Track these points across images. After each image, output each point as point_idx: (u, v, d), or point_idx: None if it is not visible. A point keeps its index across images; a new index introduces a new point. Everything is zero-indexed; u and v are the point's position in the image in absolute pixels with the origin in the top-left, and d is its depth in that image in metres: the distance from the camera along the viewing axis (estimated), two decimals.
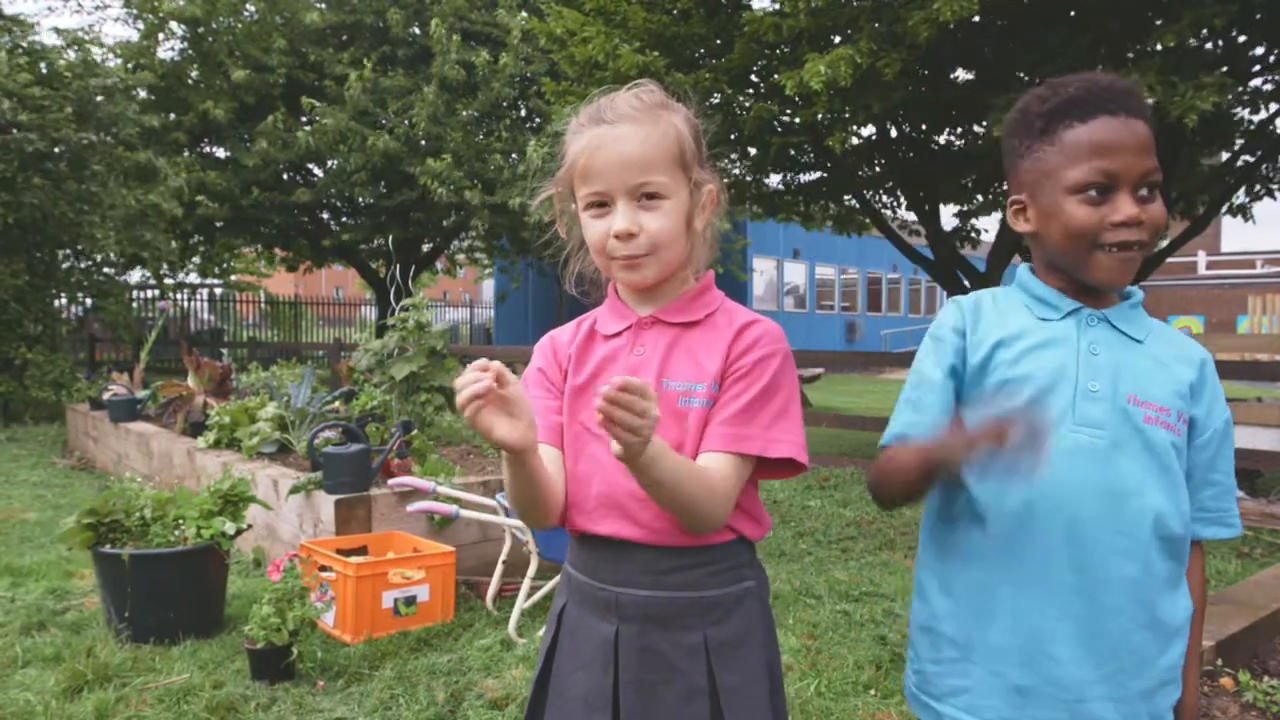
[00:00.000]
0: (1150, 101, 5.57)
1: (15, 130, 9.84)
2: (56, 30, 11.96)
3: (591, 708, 1.30)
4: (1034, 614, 1.27)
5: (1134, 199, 1.25)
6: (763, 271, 23.87)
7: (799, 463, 1.29)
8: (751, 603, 1.32)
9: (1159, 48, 5.87)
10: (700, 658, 1.27)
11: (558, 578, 3.85)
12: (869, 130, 8.94)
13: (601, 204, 1.28)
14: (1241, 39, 7.12)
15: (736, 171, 9.50)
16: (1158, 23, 6.23)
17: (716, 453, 1.25)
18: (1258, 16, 6.24)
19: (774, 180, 10.05)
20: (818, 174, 9.63)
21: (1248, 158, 8.53)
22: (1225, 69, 6.16)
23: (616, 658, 1.29)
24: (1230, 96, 6.12)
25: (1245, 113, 7.96)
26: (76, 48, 11.48)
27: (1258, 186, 9.29)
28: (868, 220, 10.54)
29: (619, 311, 1.37)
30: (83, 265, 12.39)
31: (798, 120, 7.85)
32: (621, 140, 1.25)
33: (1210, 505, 1.31)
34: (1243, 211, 9.79)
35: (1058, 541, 1.26)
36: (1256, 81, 7.70)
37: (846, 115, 7.01)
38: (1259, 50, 7.18)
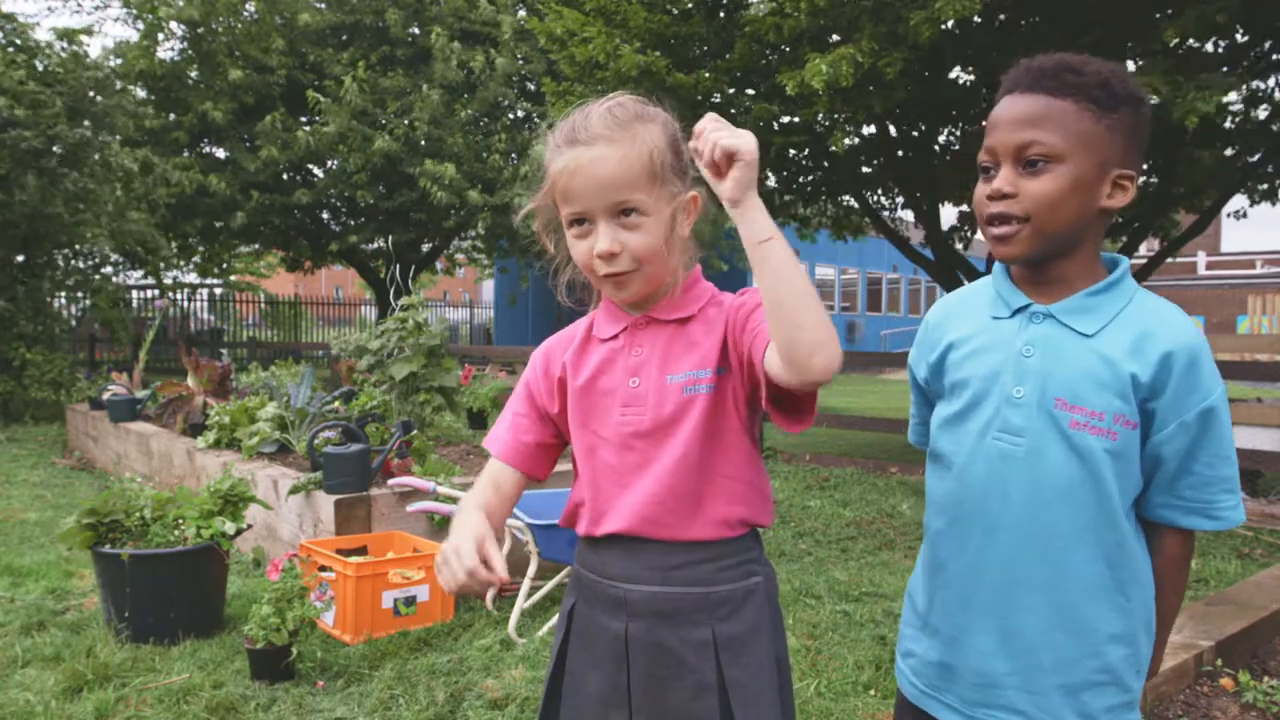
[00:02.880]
0: (1153, 98, 5.56)
1: (11, 129, 9.81)
2: (54, 30, 11.96)
3: (609, 705, 1.32)
4: (960, 605, 1.35)
5: (1012, 172, 1.25)
6: None
7: (812, 410, 1.26)
8: (759, 598, 1.33)
9: (1162, 45, 5.86)
10: (709, 653, 1.28)
11: (558, 577, 3.87)
12: (869, 129, 8.94)
13: (582, 222, 1.29)
14: (1244, 38, 7.12)
15: None
16: (1159, 17, 6.22)
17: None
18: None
19: (772, 180, 10.04)
20: (817, 174, 9.62)
21: (1250, 158, 8.52)
22: (1225, 69, 6.16)
23: (628, 654, 1.30)
24: (1237, 95, 6.12)
25: (1252, 111, 7.96)
26: (67, 41, 11.44)
27: (1262, 185, 9.27)
28: (867, 221, 10.54)
29: (614, 314, 1.38)
30: (82, 265, 12.37)
31: (797, 120, 7.85)
32: (597, 162, 1.25)
33: (1187, 495, 1.27)
34: (1247, 203, 9.76)
35: (981, 541, 1.32)
36: (1258, 82, 7.70)
37: (847, 116, 7.01)
38: (1264, 47, 7.17)
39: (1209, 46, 7.17)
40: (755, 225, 1.12)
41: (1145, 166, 8.96)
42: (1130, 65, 6.35)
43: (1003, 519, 1.29)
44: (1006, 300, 1.34)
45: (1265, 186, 9.29)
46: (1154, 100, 6.11)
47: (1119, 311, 1.27)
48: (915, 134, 8.89)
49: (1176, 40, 5.75)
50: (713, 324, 1.32)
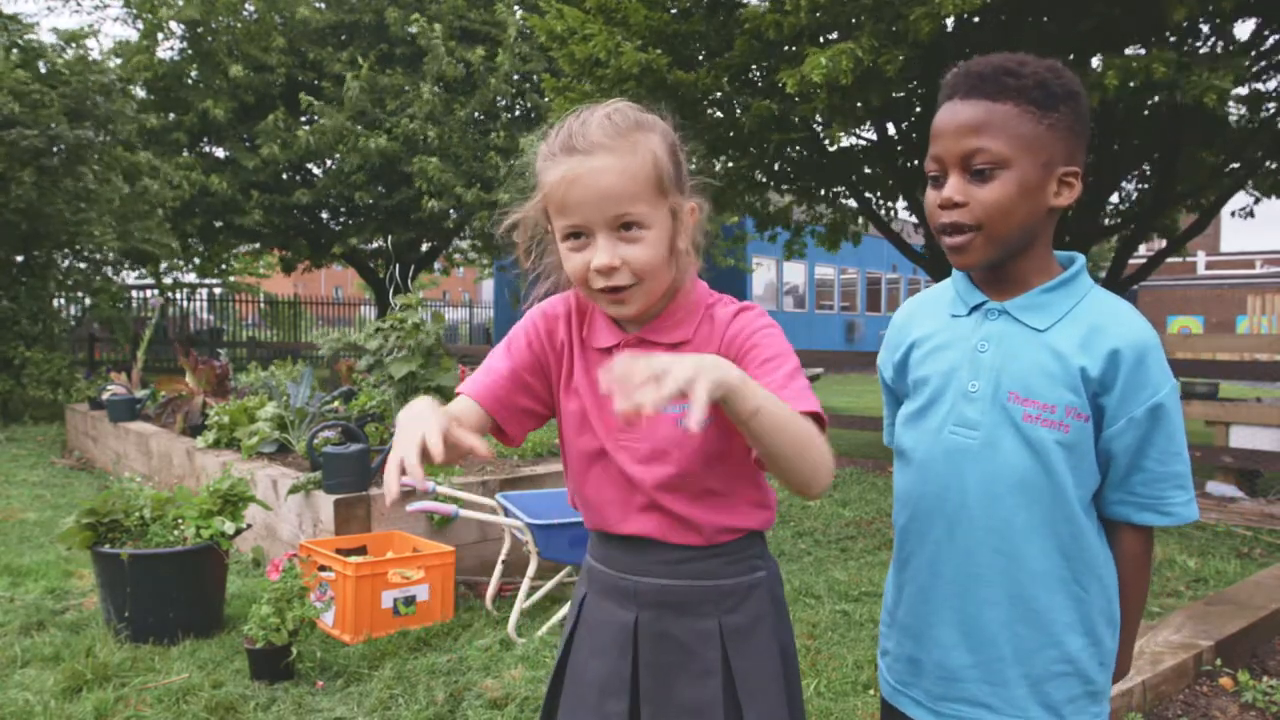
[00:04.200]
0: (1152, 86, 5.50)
1: (13, 128, 9.81)
2: (56, 31, 11.95)
3: (606, 693, 1.33)
4: (922, 599, 1.38)
5: (961, 181, 1.26)
6: (765, 268, 23.82)
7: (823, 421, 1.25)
8: (763, 592, 1.36)
9: (1166, 32, 5.85)
10: (715, 643, 1.31)
11: (558, 577, 3.87)
12: (869, 130, 8.94)
13: (579, 235, 1.24)
14: (1247, 32, 7.12)
15: (728, 173, 9.47)
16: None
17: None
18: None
19: (767, 177, 10.02)
20: (816, 175, 9.62)
21: (1255, 153, 8.50)
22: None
23: (635, 643, 1.32)
24: (1244, 89, 6.13)
25: (1246, 108, 7.96)
26: (74, 45, 11.44)
27: (1259, 185, 9.26)
28: (862, 223, 10.54)
29: (607, 323, 1.34)
30: (81, 265, 12.37)
31: (797, 119, 7.84)
32: (598, 172, 1.20)
33: (1140, 491, 1.29)
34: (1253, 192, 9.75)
35: (941, 534, 1.34)
36: (1257, 84, 7.70)
37: (846, 110, 6.99)
38: (1267, 45, 7.17)
39: (1206, 47, 7.17)
40: (742, 404, 1.07)
41: (1145, 166, 8.97)
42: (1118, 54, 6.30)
43: (960, 512, 1.32)
44: (964, 298, 1.36)
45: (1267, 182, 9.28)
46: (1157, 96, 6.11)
47: (1072, 307, 1.29)
48: (915, 135, 8.88)
49: (1185, 20, 5.70)
50: (705, 350, 1.28)
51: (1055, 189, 1.26)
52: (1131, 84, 5.55)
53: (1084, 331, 1.27)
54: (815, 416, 1.18)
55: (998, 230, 1.25)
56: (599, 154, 1.21)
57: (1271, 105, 7.72)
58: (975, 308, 1.34)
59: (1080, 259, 1.33)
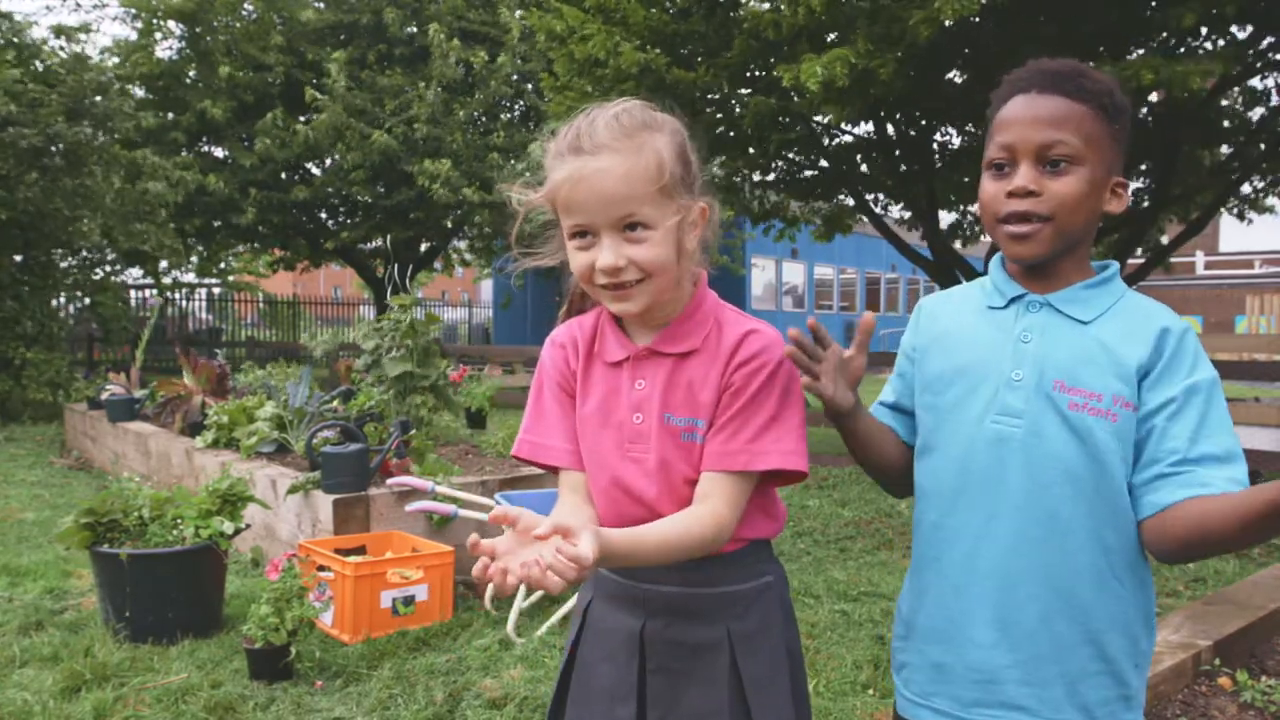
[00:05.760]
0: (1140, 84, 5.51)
1: (10, 127, 9.80)
2: (54, 29, 11.92)
3: (615, 698, 1.33)
4: (955, 597, 1.32)
5: (1034, 170, 1.26)
6: (763, 268, 23.82)
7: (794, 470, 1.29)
8: (771, 596, 1.37)
9: (1165, 34, 5.86)
10: (724, 649, 1.31)
11: None
12: (868, 128, 8.94)
13: (585, 234, 1.25)
14: (1245, 33, 7.12)
15: (722, 173, 9.46)
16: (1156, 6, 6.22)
17: (709, 473, 1.28)
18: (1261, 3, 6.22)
19: (770, 177, 10.02)
20: (814, 172, 9.61)
21: (1257, 148, 8.49)
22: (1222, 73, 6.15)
23: (642, 648, 1.33)
24: (1235, 72, 6.10)
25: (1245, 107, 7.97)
26: (66, 40, 11.41)
27: (1260, 183, 9.27)
28: (861, 218, 10.54)
29: (618, 337, 1.35)
30: (79, 263, 12.36)
31: (792, 118, 7.83)
32: (602, 174, 1.21)
33: (1219, 480, 1.19)
34: (1250, 204, 9.79)
35: (979, 528, 1.30)
36: (1254, 81, 7.70)
37: (845, 112, 6.98)
38: (1263, 45, 7.17)
39: (1207, 45, 7.18)
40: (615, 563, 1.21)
41: (1142, 168, 8.98)
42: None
43: (1002, 504, 1.28)
44: (1001, 290, 1.36)
45: (1262, 185, 9.29)
46: (1153, 95, 6.11)
47: (1112, 304, 1.30)
48: (913, 133, 8.89)
49: (1195, 26, 5.71)
50: (715, 364, 1.30)
51: (1108, 196, 1.30)
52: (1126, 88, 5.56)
53: (1127, 324, 1.27)
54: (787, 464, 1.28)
55: (1065, 224, 1.26)
56: (604, 155, 1.22)
57: (1263, 105, 7.73)
58: (1015, 299, 1.34)
59: (1114, 264, 1.35)
